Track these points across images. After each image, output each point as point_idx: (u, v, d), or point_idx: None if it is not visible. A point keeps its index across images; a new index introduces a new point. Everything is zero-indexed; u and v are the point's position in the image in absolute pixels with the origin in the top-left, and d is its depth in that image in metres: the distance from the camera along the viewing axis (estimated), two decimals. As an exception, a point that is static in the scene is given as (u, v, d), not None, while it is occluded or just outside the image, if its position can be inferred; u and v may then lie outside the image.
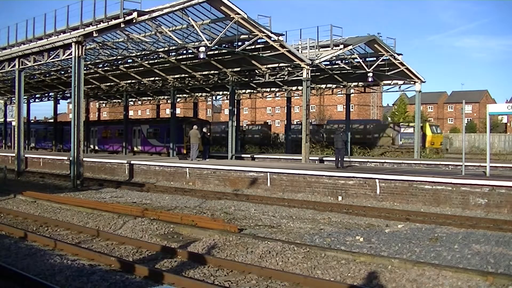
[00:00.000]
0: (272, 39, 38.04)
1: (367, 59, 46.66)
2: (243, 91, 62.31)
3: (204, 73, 48.93)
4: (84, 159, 32.89)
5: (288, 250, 13.32)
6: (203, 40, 35.96)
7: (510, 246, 14.83)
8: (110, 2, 32.20)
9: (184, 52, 43.74)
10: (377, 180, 26.09)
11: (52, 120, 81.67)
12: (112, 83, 58.59)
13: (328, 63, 47.32)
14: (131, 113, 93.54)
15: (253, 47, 39.31)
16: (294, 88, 56.58)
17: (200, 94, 65.93)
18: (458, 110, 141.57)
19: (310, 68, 41.12)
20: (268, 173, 30.25)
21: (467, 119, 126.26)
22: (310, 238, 15.99)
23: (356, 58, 46.18)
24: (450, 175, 26.48)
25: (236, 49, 38.93)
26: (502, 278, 10.95)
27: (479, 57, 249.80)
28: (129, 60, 48.50)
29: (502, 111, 31.82)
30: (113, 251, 14.12)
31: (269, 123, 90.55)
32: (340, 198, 26.73)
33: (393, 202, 25.04)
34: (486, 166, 27.53)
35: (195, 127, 40.01)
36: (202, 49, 35.39)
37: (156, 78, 53.51)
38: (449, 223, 19.42)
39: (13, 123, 58.39)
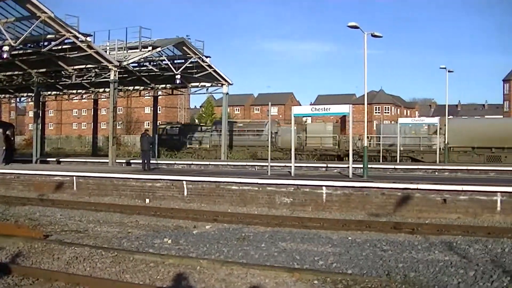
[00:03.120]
0: (79, 39, 37.11)
1: (176, 61, 46.91)
2: (49, 92, 60.35)
3: (7, 73, 46.85)
4: None
5: (95, 255, 13.07)
6: (7, 39, 34.43)
7: (314, 242, 15.46)
8: None
9: (-14, 51, 41.72)
10: (184, 182, 26.29)
11: None
12: None
13: (136, 65, 46.98)
14: None
15: (60, 47, 38.17)
16: (101, 90, 55.68)
17: (3, 95, 63.23)
18: (264, 112, 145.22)
19: (118, 70, 40.55)
20: (74, 177, 29.60)
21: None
22: (118, 242, 15.81)
23: (164, 60, 46.16)
24: (257, 175, 27.22)
25: (42, 49, 37.63)
26: (307, 273, 11.36)
27: (285, 60, 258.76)
28: None
29: (306, 113, 33.14)
30: None
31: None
32: (147, 200, 26.64)
33: (200, 203, 25.32)
34: (291, 166, 28.54)
35: (0, 130, 38.34)
36: (5, 48, 33.92)
37: (-46, 79, 50.60)
38: (256, 223, 19.92)
39: None
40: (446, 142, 44.45)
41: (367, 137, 53.88)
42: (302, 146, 51.72)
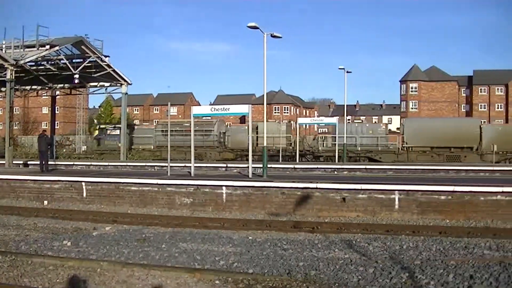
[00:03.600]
0: (-28, 37, 36.04)
1: (74, 61, 46.08)
2: None
3: None
4: None
5: (-8, 259, 12.77)
6: None
7: (215, 242, 15.55)
8: None
9: None
10: (83, 183, 25.93)
11: None
12: None
13: (34, 63, 45.84)
14: None
15: (-49, 45, 36.98)
16: (-4, 89, 54.03)
17: None
18: (163, 112, 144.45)
19: (15, 69, 39.54)
20: (-32, 179, 28.71)
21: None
22: (15, 245, 15.45)
23: (62, 59, 45.28)
24: (156, 176, 27.11)
25: None
26: (208, 273, 11.45)
27: (185, 60, 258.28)
28: None
29: (205, 113, 33.20)
30: None
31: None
32: (46, 202, 26.08)
33: (100, 205, 25.04)
34: (191, 166, 28.56)
35: None
36: None
37: None
38: (156, 223, 19.85)
39: None
40: (405, 142, 46.06)
41: (322, 137, 52.96)
42: (254, 146, 50.33)
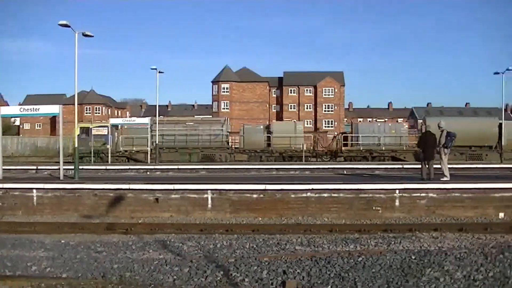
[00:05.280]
0: None
1: None
2: None
3: None
4: None
5: None
6: None
7: (26, 247, 15.10)
8: None
9: None
10: None
11: None
12: None
13: None
14: None
15: None
16: None
17: None
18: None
19: None
20: None
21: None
22: None
23: None
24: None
25: None
26: (20, 280, 11.10)
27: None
28: None
29: (14, 113, 32.15)
30: None
31: None
32: None
33: None
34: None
35: None
36: None
37: None
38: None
39: None
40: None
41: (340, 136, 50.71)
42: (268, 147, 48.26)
